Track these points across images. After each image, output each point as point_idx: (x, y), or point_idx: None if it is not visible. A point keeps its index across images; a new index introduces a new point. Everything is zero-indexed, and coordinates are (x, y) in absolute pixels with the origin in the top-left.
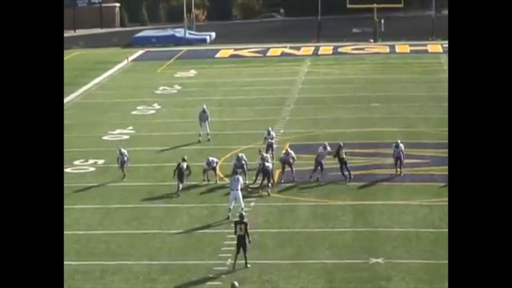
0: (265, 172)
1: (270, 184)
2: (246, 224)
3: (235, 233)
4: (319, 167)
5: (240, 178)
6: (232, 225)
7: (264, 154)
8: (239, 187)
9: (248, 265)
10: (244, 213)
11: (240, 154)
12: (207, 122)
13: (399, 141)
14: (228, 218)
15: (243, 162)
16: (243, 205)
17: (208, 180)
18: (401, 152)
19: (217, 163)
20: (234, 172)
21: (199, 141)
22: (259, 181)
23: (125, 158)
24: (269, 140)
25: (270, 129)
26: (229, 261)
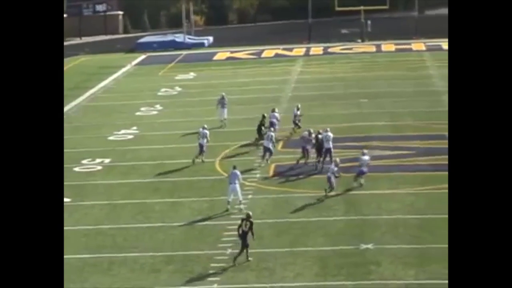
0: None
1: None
2: (251, 223)
3: (239, 228)
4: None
5: (238, 172)
6: (239, 221)
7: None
8: (237, 181)
9: (250, 259)
10: (250, 213)
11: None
12: (225, 108)
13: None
14: (227, 210)
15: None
16: (241, 198)
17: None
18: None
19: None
20: (233, 167)
21: (220, 126)
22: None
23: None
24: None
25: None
26: (229, 250)
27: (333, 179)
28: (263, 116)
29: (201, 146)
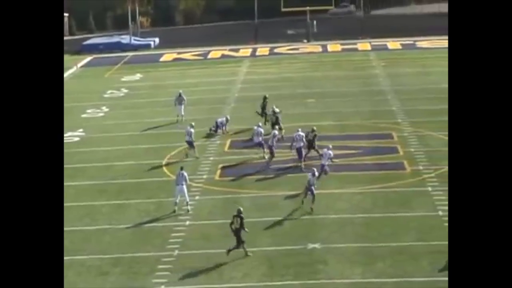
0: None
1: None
2: (242, 218)
3: (231, 225)
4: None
5: (185, 173)
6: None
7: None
8: (184, 182)
9: (250, 254)
10: (241, 209)
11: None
12: (182, 105)
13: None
14: (174, 211)
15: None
16: (188, 199)
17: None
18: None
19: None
20: (180, 168)
21: (177, 121)
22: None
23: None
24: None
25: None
26: (176, 252)
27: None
28: (265, 98)
29: (189, 142)
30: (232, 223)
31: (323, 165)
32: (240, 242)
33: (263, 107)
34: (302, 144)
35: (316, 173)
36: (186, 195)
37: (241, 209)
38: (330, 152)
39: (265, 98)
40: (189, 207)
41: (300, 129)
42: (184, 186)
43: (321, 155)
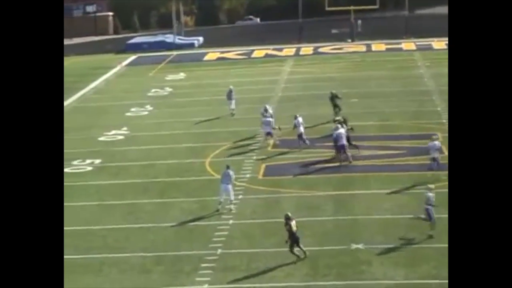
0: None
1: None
2: (294, 220)
3: (286, 226)
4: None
5: (231, 172)
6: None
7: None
8: (229, 181)
9: (307, 253)
10: (289, 214)
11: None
12: (233, 100)
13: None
14: (217, 210)
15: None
16: (232, 197)
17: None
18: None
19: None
20: (226, 166)
21: (232, 114)
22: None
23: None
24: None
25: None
26: (219, 251)
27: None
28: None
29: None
30: (287, 225)
31: (434, 158)
32: (297, 243)
33: (336, 104)
34: (344, 142)
35: (433, 189)
36: (231, 194)
37: (290, 214)
38: (436, 143)
39: (335, 94)
40: (232, 206)
41: (339, 125)
42: (230, 185)
43: (358, 149)
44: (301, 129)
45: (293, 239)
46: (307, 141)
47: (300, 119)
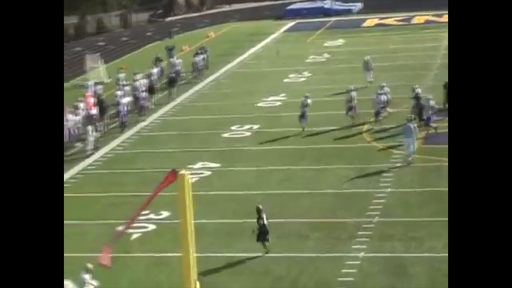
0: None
1: None
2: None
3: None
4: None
5: (412, 125)
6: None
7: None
8: (411, 134)
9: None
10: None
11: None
12: (371, 71)
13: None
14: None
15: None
16: (413, 149)
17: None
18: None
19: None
20: (407, 120)
21: (366, 86)
22: None
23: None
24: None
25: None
26: (376, 218)
27: None
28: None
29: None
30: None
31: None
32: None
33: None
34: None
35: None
36: (412, 148)
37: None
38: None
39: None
40: (410, 159)
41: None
42: (410, 139)
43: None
44: None
45: (264, 232)
46: None
47: None
